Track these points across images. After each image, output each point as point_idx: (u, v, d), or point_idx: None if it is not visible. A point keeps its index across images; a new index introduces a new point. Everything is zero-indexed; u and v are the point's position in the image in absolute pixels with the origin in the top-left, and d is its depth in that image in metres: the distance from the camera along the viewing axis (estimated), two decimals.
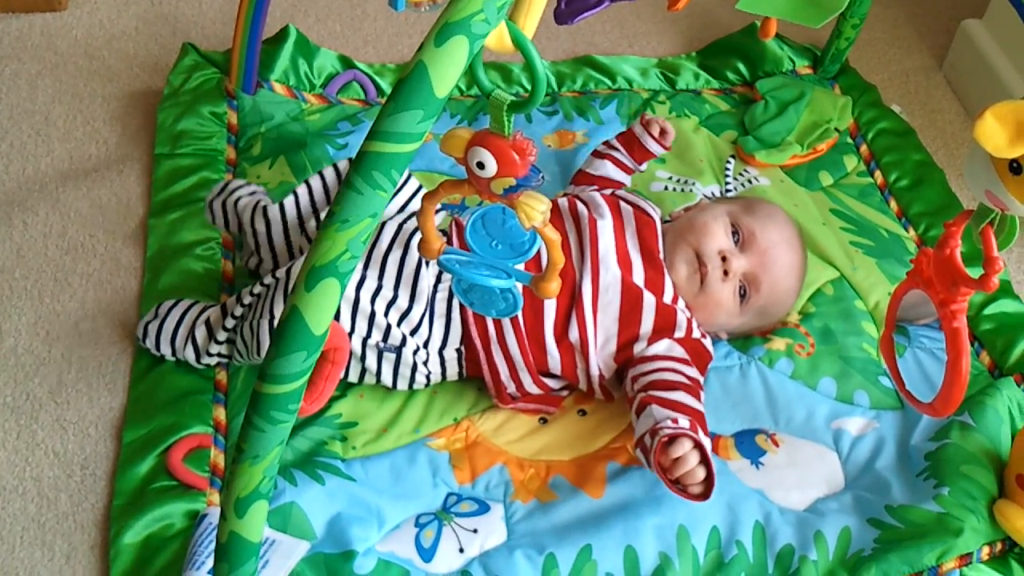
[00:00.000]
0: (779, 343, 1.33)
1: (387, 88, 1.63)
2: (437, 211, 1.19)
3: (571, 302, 1.20)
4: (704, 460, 1.08)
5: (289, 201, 1.25)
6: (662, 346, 1.21)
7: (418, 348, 1.19)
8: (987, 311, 1.39)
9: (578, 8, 0.90)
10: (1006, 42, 1.69)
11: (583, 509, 1.15)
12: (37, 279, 1.35)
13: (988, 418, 1.24)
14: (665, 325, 1.22)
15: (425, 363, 1.20)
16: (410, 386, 1.22)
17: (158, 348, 1.23)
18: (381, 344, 1.17)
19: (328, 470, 1.15)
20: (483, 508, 1.15)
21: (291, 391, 0.77)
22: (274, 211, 1.25)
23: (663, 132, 1.42)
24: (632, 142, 1.43)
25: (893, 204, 1.55)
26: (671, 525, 1.14)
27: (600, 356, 1.21)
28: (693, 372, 1.20)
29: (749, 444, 1.24)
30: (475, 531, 1.13)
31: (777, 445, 1.24)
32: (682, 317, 1.23)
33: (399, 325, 1.18)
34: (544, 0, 0.79)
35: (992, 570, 1.15)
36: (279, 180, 1.44)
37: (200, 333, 1.21)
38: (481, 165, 0.83)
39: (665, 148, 1.43)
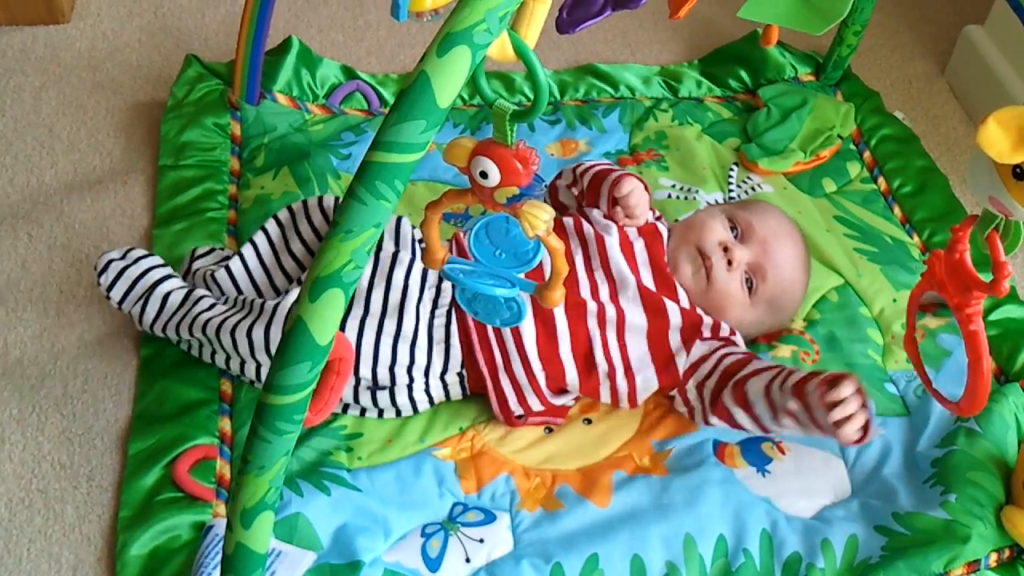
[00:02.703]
0: (784, 350, 1.33)
1: (390, 98, 1.63)
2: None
3: (587, 329, 1.20)
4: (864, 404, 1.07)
5: (236, 264, 1.25)
6: (701, 348, 1.21)
7: (412, 381, 1.19)
8: (992, 317, 1.39)
9: (580, 17, 0.90)
10: (1008, 48, 1.69)
11: (589, 518, 1.15)
12: (42, 291, 1.35)
13: (995, 424, 1.23)
14: (691, 324, 1.22)
15: (426, 391, 1.20)
16: (414, 411, 1.22)
17: (111, 287, 1.22)
18: (371, 385, 1.18)
19: (334, 480, 1.15)
20: (489, 518, 1.15)
21: (296, 402, 0.77)
22: (223, 275, 1.25)
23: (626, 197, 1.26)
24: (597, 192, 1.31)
25: (897, 210, 1.55)
26: (678, 534, 1.13)
27: (640, 376, 1.21)
28: (744, 348, 1.20)
29: (755, 452, 1.23)
30: (481, 541, 1.13)
31: (783, 453, 1.24)
32: (707, 319, 1.23)
33: (391, 367, 1.17)
34: (546, 10, 0.79)
35: None
36: (283, 191, 1.44)
37: (152, 307, 1.21)
38: (484, 174, 0.83)
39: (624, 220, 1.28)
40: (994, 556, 1.16)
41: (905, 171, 1.59)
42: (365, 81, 1.64)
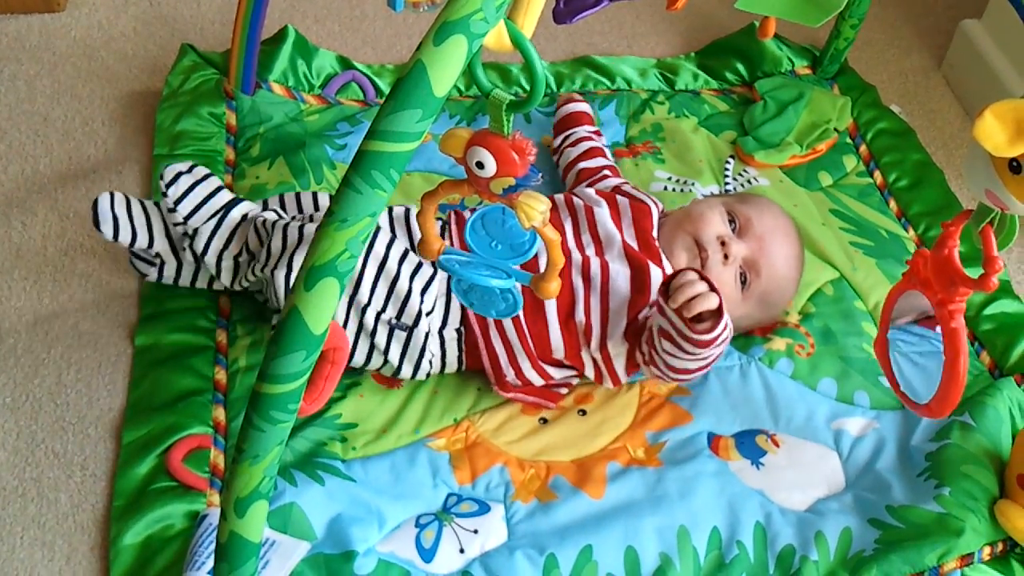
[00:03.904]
0: (779, 343, 1.33)
1: (386, 89, 1.63)
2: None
3: (571, 283, 1.20)
4: (713, 288, 1.11)
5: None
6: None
7: (429, 329, 1.19)
8: (987, 311, 1.39)
9: (577, 7, 0.90)
10: (1005, 42, 1.69)
11: (583, 509, 1.15)
12: (36, 280, 1.34)
13: (989, 418, 1.24)
14: None
15: (427, 344, 1.20)
16: (414, 372, 1.21)
17: (180, 200, 1.20)
18: (394, 321, 1.17)
19: (328, 471, 1.15)
20: (483, 508, 1.15)
21: (291, 391, 0.77)
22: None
23: (568, 98, 1.56)
24: (563, 121, 1.53)
25: (892, 204, 1.56)
26: (672, 526, 1.14)
27: (611, 338, 1.21)
28: None
29: (750, 444, 1.24)
30: (475, 531, 1.13)
31: (778, 445, 1.24)
32: None
33: (422, 294, 1.18)
34: None
35: (993, 570, 1.15)
36: (278, 181, 1.44)
37: (223, 234, 1.21)
38: (480, 165, 0.83)
39: (583, 102, 1.55)
40: (987, 550, 1.16)
41: (901, 165, 1.59)
42: (361, 71, 1.64)
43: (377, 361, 1.21)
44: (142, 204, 1.24)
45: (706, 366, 1.18)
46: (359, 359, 1.20)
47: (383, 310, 1.17)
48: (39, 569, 1.10)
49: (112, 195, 1.22)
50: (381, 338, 1.18)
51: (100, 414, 1.22)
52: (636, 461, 1.20)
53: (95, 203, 1.21)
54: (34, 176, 1.47)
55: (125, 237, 1.22)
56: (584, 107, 1.54)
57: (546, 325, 1.20)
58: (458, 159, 0.85)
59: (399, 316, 1.17)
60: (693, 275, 1.12)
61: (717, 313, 1.11)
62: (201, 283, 1.28)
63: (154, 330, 1.27)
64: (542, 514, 1.15)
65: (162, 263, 1.26)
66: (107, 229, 1.21)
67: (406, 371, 1.21)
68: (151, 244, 1.23)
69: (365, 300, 1.16)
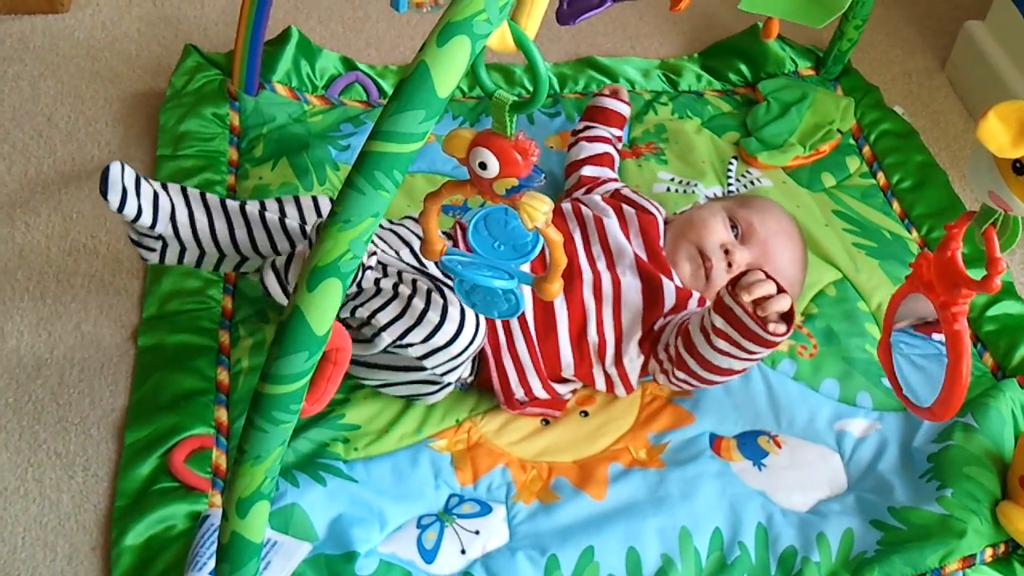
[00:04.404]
0: (782, 344, 1.33)
1: (389, 90, 1.63)
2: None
3: (583, 302, 1.20)
4: (781, 289, 1.10)
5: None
6: (674, 316, 1.22)
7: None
8: (990, 312, 1.39)
9: (580, 8, 0.90)
10: (1008, 43, 1.69)
11: (585, 510, 1.15)
12: (39, 280, 1.35)
13: (991, 419, 1.23)
14: (682, 299, 1.22)
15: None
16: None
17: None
18: (465, 379, 1.20)
19: (330, 471, 1.15)
20: (485, 509, 1.15)
21: (293, 391, 0.77)
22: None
23: (615, 91, 1.54)
24: (595, 111, 1.52)
25: (896, 205, 1.55)
26: (673, 526, 1.14)
27: (627, 353, 1.21)
28: None
29: (751, 445, 1.24)
30: (477, 532, 1.13)
31: (779, 447, 1.24)
32: (695, 296, 1.24)
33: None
34: (546, 0, 0.79)
35: (995, 572, 1.15)
36: (281, 182, 1.44)
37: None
38: (483, 166, 0.83)
39: (626, 103, 1.54)
40: (989, 551, 1.16)
41: (904, 166, 1.59)
42: (364, 72, 1.64)
43: (414, 399, 1.23)
44: (151, 184, 1.16)
45: (743, 370, 1.17)
46: (400, 392, 1.22)
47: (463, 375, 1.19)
48: (41, 569, 1.10)
49: (123, 164, 1.13)
50: (442, 389, 1.20)
51: (102, 414, 1.22)
52: (638, 462, 1.20)
53: (105, 169, 1.12)
54: (37, 177, 1.47)
55: (130, 211, 1.12)
56: (620, 107, 1.53)
57: (557, 344, 1.20)
58: (461, 160, 0.85)
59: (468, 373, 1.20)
60: (761, 274, 1.11)
61: (788, 314, 1.10)
62: (207, 266, 1.21)
63: (157, 331, 1.27)
64: (544, 515, 1.15)
65: (164, 246, 1.19)
66: (114, 198, 1.11)
67: (425, 400, 1.22)
68: (154, 225, 1.15)
69: (466, 375, 1.19)
